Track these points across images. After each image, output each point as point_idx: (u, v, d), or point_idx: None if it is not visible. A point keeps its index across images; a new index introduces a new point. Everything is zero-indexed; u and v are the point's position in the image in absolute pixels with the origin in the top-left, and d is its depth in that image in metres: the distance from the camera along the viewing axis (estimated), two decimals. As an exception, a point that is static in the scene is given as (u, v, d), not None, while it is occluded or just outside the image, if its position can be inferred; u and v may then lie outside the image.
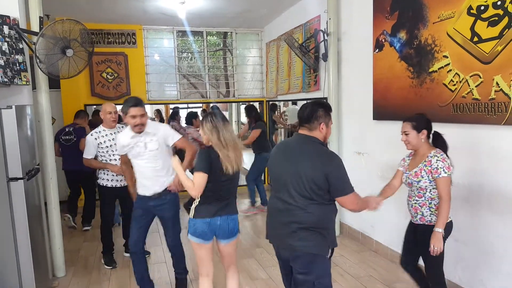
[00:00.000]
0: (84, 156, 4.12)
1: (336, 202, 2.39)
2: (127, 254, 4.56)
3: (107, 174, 4.16)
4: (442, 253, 2.69)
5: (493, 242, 3.04)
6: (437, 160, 2.64)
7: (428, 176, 2.68)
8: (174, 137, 3.40)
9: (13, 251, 3.00)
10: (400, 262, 3.09)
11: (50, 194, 4.00)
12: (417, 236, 2.82)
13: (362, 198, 2.51)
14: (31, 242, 3.07)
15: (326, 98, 5.10)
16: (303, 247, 2.31)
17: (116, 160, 4.07)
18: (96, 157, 4.17)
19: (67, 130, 5.50)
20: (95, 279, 4.03)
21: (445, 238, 2.71)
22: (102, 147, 4.06)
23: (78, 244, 5.09)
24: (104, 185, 4.19)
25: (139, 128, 3.20)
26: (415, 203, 2.80)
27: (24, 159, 3.07)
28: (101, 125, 4.19)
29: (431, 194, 2.72)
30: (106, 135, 4.10)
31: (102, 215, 4.32)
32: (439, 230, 2.60)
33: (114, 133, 4.12)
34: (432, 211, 2.73)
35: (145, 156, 3.30)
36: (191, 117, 6.37)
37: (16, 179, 2.97)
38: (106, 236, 4.36)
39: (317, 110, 2.38)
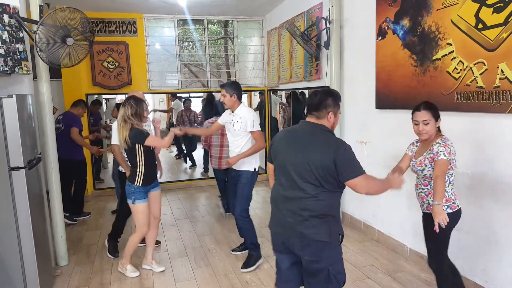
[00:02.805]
0: (112, 142, 4.14)
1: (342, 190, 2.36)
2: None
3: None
4: (447, 239, 2.72)
5: (496, 231, 3.03)
6: (438, 146, 2.64)
7: (431, 164, 2.68)
8: (252, 126, 3.81)
9: (16, 240, 3.00)
10: (428, 262, 2.92)
11: (52, 183, 4.01)
12: (427, 224, 2.79)
13: (380, 179, 2.42)
14: (33, 231, 3.07)
15: (328, 87, 5.07)
16: (314, 234, 2.26)
17: None
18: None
19: (57, 118, 5.44)
20: (97, 268, 4.05)
21: (452, 226, 2.69)
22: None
23: (80, 233, 5.12)
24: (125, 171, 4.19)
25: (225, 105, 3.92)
26: (421, 191, 2.81)
27: (25, 149, 3.06)
28: None
29: None
30: None
31: (122, 201, 4.20)
32: (438, 203, 2.52)
33: None
34: None
35: (231, 134, 3.95)
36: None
37: (18, 168, 2.96)
38: (120, 221, 4.37)
39: (327, 99, 2.35)
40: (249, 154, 3.82)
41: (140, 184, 3.57)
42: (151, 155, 3.66)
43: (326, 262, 2.30)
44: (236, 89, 3.83)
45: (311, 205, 2.26)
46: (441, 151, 2.61)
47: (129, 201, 3.64)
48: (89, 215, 5.86)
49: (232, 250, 4.33)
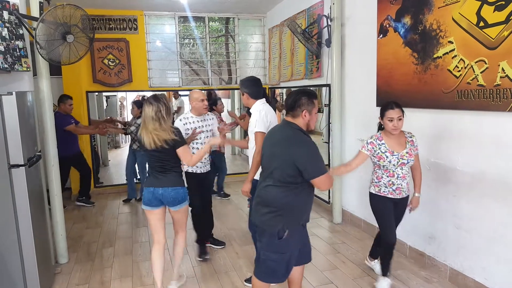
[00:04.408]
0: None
1: (306, 187, 2.52)
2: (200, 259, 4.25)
3: None
4: None
5: (496, 229, 3.03)
6: (415, 139, 3.14)
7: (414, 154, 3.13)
8: (254, 126, 3.44)
9: (16, 238, 3.01)
10: (393, 239, 3.27)
11: (52, 181, 4.01)
12: (402, 207, 3.25)
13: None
14: (33, 228, 3.08)
15: (329, 85, 5.06)
16: (257, 219, 2.62)
17: (202, 144, 4.02)
18: None
19: None
20: (97, 266, 4.06)
21: None
22: (188, 133, 3.98)
23: (80, 230, 5.12)
24: (188, 171, 4.11)
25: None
26: (408, 179, 3.17)
27: (25, 146, 3.06)
28: (189, 111, 4.15)
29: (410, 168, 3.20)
30: (193, 122, 4.05)
31: (190, 202, 3.81)
32: (419, 195, 3.22)
33: (202, 120, 4.10)
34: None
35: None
36: (212, 103, 6.10)
37: (18, 166, 2.96)
38: (196, 223, 4.28)
39: (301, 98, 2.54)
40: (253, 169, 3.35)
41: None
42: None
43: (263, 245, 2.60)
44: (247, 86, 3.53)
45: (265, 195, 2.56)
46: (418, 145, 3.14)
47: (186, 203, 3.37)
48: (93, 204, 6.23)
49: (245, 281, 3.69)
